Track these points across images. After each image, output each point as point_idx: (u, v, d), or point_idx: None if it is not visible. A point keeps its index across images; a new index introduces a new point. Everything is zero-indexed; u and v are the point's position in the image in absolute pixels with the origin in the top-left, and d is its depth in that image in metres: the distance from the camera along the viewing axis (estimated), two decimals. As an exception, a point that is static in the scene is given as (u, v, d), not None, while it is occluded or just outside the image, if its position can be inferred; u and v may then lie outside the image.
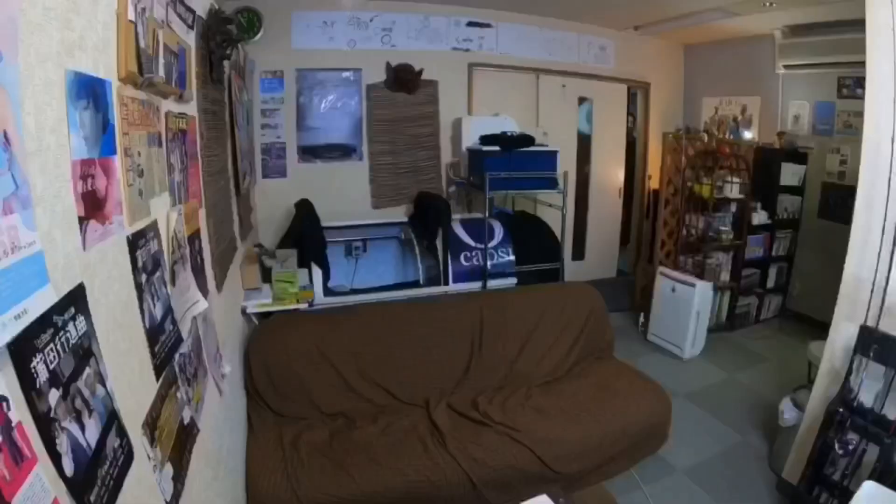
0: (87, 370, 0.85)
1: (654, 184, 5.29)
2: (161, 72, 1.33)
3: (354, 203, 4.49)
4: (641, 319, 4.72)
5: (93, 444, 0.84)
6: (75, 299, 0.84)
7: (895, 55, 2.12)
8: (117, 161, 1.04)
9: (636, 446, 2.70)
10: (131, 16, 1.09)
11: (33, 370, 0.70)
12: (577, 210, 5.57)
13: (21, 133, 0.71)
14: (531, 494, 1.76)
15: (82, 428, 0.81)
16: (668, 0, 4.28)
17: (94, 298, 0.91)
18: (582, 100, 5.50)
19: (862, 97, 2.34)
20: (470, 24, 4.67)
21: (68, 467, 0.76)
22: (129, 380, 1.04)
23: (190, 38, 1.76)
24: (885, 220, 2.15)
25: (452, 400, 2.79)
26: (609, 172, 5.82)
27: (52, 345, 0.75)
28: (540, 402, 2.75)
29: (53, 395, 0.74)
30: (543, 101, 5.15)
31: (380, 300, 3.38)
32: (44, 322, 0.73)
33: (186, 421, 1.38)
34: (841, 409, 2.22)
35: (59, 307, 0.78)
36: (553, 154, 3.97)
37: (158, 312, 1.23)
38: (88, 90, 0.92)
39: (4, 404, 0.63)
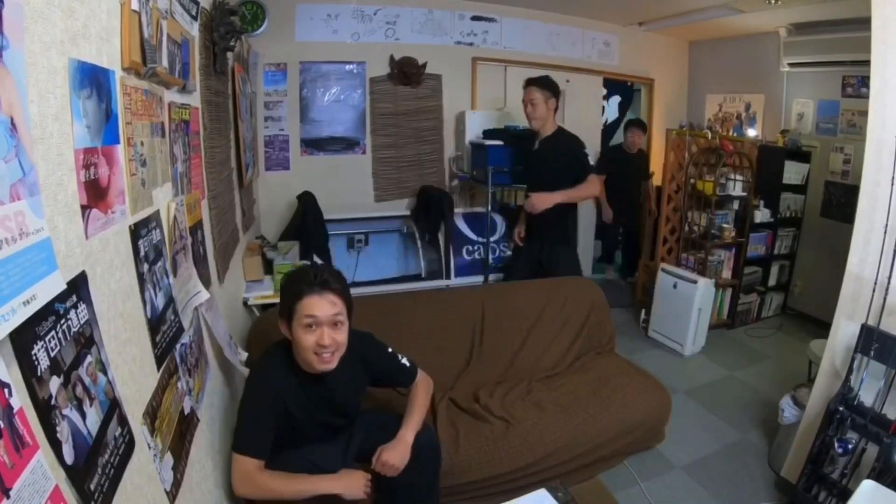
0: (89, 358, 0.85)
1: (656, 180, 5.29)
2: (164, 62, 1.33)
3: (357, 196, 4.49)
4: (643, 316, 4.71)
5: (93, 432, 0.84)
6: (77, 287, 0.84)
7: (901, 53, 2.11)
8: (120, 150, 1.04)
9: (635, 442, 2.70)
10: (135, 6, 1.09)
11: (34, 357, 0.70)
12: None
13: (27, 120, 0.71)
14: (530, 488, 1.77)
15: (83, 416, 0.82)
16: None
17: (95, 287, 0.91)
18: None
19: (866, 97, 2.33)
20: (474, 18, 4.66)
21: (69, 455, 0.76)
22: (130, 369, 1.04)
23: (193, 29, 1.76)
24: (887, 219, 2.14)
25: (454, 394, 2.79)
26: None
27: (53, 332, 0.75)
28: (540, 396, 2.75)
29: (54, 383, 0.75)
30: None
31: (381, 293, 3.38)
32: (45, 309, 0.73)
33: (187, 411, 1.38)
34: (841, 408, 2.22)
35: (61, 295, 0.78)
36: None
37: (160, 302, 1.23)
38: (91, 79, 0.92)
39: (6, 391, 0.64)
